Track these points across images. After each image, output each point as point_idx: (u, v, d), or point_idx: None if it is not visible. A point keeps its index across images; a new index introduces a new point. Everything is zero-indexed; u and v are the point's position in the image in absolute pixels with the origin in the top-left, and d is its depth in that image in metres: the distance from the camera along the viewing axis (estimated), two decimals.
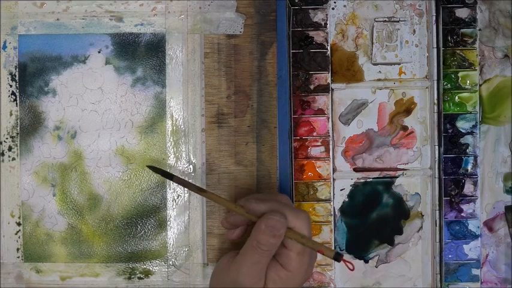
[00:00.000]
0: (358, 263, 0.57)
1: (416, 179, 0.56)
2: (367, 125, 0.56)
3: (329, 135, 0.55)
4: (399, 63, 0.56)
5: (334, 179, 0.56)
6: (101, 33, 0.54)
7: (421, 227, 0.57)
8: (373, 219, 0.56)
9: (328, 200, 0.55)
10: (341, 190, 0.56)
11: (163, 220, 0.54)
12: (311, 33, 0.55)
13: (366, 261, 0.57)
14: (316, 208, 0.55)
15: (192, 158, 0.54)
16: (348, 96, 0.56)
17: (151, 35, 0.54)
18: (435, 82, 0.55)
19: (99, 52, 0.54)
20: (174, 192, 0.54)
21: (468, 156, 0.55)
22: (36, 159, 0.54)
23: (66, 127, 0.54)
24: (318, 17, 0.55)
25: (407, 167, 0.56)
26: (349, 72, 0.56)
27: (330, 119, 0.55)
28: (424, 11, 0.56)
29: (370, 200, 0.56)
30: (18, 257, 0.54)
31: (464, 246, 0.55)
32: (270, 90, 0.54)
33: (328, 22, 0.55)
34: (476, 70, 0.55)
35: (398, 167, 0.57)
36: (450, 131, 0.55)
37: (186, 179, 0.54)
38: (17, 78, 0.54)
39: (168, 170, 0.54)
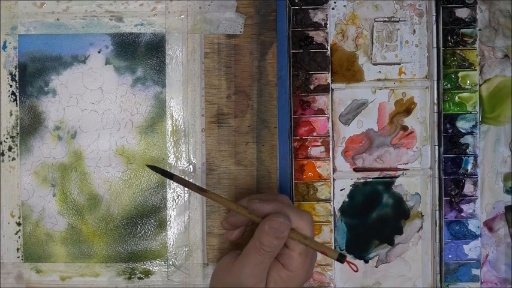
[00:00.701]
0: (358, 263, 0.57)
1: (416, 179, 0.56)
2: (367, 125, 0.56)
3: (329, 135, 0.55)
4: (399, 63, 0.56)
5: (334, 179, 0.56)
6: (101, 33, 0.54)
7: (421, 227, 0.57)
8: (373, 219, 0.56)
9: (328, 200, 0.55)
10: (341, 190, 0.56)
11: (163, 220, 0.54)
12: (311, 33, 0.55)
13: (366, 261, 0.57)
14: (316, 208, 0.55)
15: (192, 158, 0.54)
16: (348, 96, 0.56)
17: (151, 35, 0.54)
18: (435, 82, 0.55)
19: (99, 52, 0.54)
20: (174, 192, 0.54)
21: (468, 156, 0.55)
22: (36, 159, 0.54)
23: (66, 127, 0.54)
24: (318, 17, 0.55)
25: (407, 167, 0.56)
26: (349, 72, 0.56)
27: (330, 119, 0.55)
28: (424, 11, 0.56)
29: (370, 200, 0.56)
30: (18, 257, 0.54)
31: (464, 246, 0.55)
32: (270, 90, 0.54)
33: (328, 22, 0.55)
34: (476, 70, 0.55)
35: (398, 167, 0.57)
36: (450, 131, 0.55)
37: (187, 178, 0.54)
38: (17, 78, 0.54)
39: (168, 170, 0.54)
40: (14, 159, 0.54)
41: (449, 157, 0.55)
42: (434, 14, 0.55)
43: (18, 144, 0.54)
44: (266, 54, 0.54)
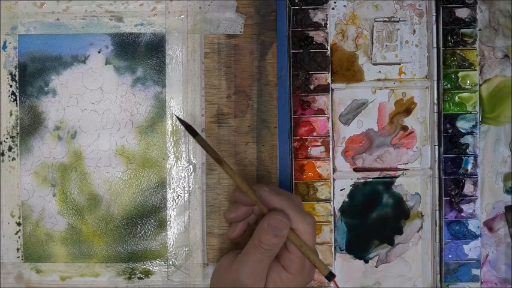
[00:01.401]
0: (358, 263, 0.57)
1: (416, 179, 0.56)
2: (367, 125, 0.56)
3: (329, 135, 0.55)
4: (399, 63, 0.56)
5: (334, 179, 0.56)
6: (101, 33, 0.54)
7: (421, 227, 0.57)
8: (373, 219, 0.56)
9: (328, 200, 0.55)
10: (341, 190, 0.56)
11: (163, 220, 0.54)
12: (311, 33, 0.55)
13: (366, 261, 0.57)
14: (316, 208, 0.55)
15: (192, 158, 0.54)
16: (348, 96, 0.56)
17: (151, 35, 0.54)
18: (435, 82, 0.55)
19: (99, 52, 0.54)
20: (174, 192, 0.54)
21: (468, 156, 0.55)
22: (36, 159, 0.54)
23: (66, 127, 0.54)
24: (318, 17, 0.55)
25: (407, 167, 0.56)
26: (349, 72, 0.56)
27: (330, 119, 0.55)
28: (424, 11, 0.56)
29: (370, 200, 0.56)
30: (18, 257, 0.54)
31: (464, 246, 0.55)
32: (270, 90, 0.54)
33: (328, 22, 0.55)
34: (476, 70, 0.55)
35: (398, 167, 0.57)
36: (450, 131, 0.55)
37: (187, 178, 0.54)
38: (17, 78, 0.54)
39: (168, 170, 0.54)
40: (14, 159, 0.54)
41: (449, 157, 0.55)
42: (434, 14, 0.55)
43: (18, 144, 0.54)
44: (266, 54, 0.54)
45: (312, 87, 0.55)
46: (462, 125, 0.55)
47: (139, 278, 0.54)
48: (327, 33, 0.55)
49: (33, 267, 0.54)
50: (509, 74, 0.56)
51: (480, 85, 0.56)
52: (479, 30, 0.56)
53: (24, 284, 0.54)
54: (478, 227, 0.55)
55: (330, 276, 0.45)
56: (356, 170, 0.56)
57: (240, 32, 0.54)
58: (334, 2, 0.56)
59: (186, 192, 0.54)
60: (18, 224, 0.54)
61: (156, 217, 0.54)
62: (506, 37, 0.56)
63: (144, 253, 0.54)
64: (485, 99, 0.56)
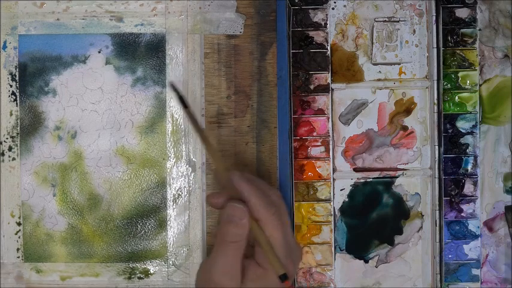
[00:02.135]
0: (358, 263, 0.57)
1: (416, 179, 0.56)
2: (367, 125, 0.56)
3: (329, 135, 0.55)
4: (399, 63, 0.56)
5: (334, 179, 0.56)
6: (101, 33, 0.54)
7: (421, 227, 0.57)
8: (373, 219, 0.56)
9: (328, 200, 0.55)
10: (341, 190, 0.56)
11: (163, 220, 0.54)
12: (311, 33, 0.55)
13: (366, 261, 0.57)
14: (316, 208, 0.55)
15: (192, 158, 0.54)
16: (348, 96, 0.56)
17: (151, 35, 0.54)
18: (435, 82, 0.55)
19: (99, 52, 0.54)
20: (174, 192, 0.54)
21: (468, 156, 0.55)
22: (36, 159, 0.54)
23: (67, 127, 0.54)
24: (318, 17, 0.55)
25: (407, 167, 0.56)
26: (349, 72, 0.56)
27: (330, 119, 0.55)
28: (424, 11, 0.56)
29: (370, 200, 0.56)
30: (18, 257, 0.54)
31: (464, 246, 0.55)
32: (270, 90, 0.54)
33: (328, 22, 0.55)
34: (476, 70, 0.55)
35: (398, 167, 0.57)
36: (450, 131, 0.55)
37: (187, 178, 0.54)
38: (17, 78, 0.54)
39: (169, 170, 0.54)
40: (14, 159, 0.54)
41: (449, 157, 0.55)
42: (434, 14, 0.55)
43: (19, 144, 0.54)
44: (266, 54, 0.54)
45: (312, 87, 0.55)
46: (462, 125, 0.55)
47: (140, 278, 0.54)
48: (327, 33, 0.55)
49: (33, 267, 0.54)
50: (509, 74, 0.56)
51: (480, 85, 0.56)
52: (479, 30, 0.56)
53: (24, 284, 0.54)
54: (478, 227, 0.55)
55: (283, 278, 0.43)
56: (356, 170, 0.56)
57: (240, 32, 0.54)
58: (334, 2, 0.56)
59: (186, 192, 0.54)
60: (18, 224, 0.54)
61: (156, 217, 0.54)
62: (506, 37, 0.56)
63: (144, 253, 0.54)
64: (485, 99, 0.56)
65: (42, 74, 0.54)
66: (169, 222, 0.54)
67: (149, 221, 0.54)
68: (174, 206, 0.54)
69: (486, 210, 0.57)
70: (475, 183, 0.55)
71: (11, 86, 0.54)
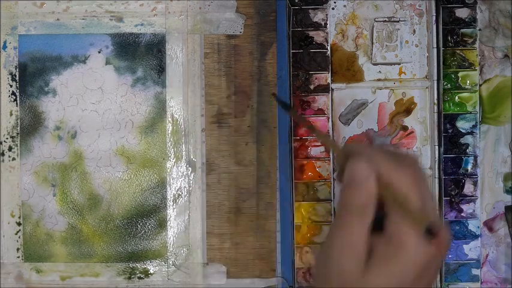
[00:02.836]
0: None
1: None
2: (367, 125, 0.56)
3: (329, 135, 0.55)
4: (399, 63, 0.56)
5: (334, 179, 0.56)
6: (101, 33, 0.54)
7: None
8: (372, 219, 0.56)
9: (328, 200, 0.55)
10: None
11: (163, 220, 0.54)
12: (311, 33, 0.55)
13: None
14: (316, 208, 0.55)
15: (192, 158, 0.54)
16: (348, 96, 0.56)
17: (151, 35, 0.54)
18: (435, 82, 0.55)
19: (99, 52, 0.54)
20: (174, 192, 0.54)
21: (468, 156, 0.55)
22: (36, 159, 0.54)
23: (67, 127, 0.54)
24: (318, 17, 0.55)
25: None
26: (349, 72, 0.56)
27: (330, 119, 0.55)
28: (424, 11, 0.56)
29: None
30: (18, 257, 0.54)
31: (464, 246, 0.55)
32: (270, 90, 0.54)
33: (328, 22, 0.55)
34: (476, 70, 0.55)
35: None
36: (450, 131, 0.55)
37: (187, 178, 0.54)
38: (17, 78, 0.54)
39: (169, 170, 0.54)
40: (14, 159, 0.54)
41: (449, 157, 0.55)
42: (434, 14, 0.55)
43: (19, 144, 0.54)
44: (266, 55, 0.54)
45: (312, 87, 0.55)
46: (462, 125, 0.55)
47: (140, 278, 0.54)
48: (327, 33, 0.55)
49: (33, 267, 0.54)
50: (509, 74, 0.56)
51: (480, 85, 0.56)
52: (479, 30, 0.56)
53: (24, 284, 0.54)
54: (478, 227, 0.55)
55: (430, 231, 0.33)
56: None
57: (240, 32, 0.54)
58: (334, 2, 0.56)
59: (186, 192, 0.54)
60: (18, 224, 0.54)
61: (156, 217, 0.54)
62: (506, 37, 0.56)
63: (144, 253, 0.54)
64: (485, 99, 0.56)
65: (42, 74, 0.54)
66: (169, 222, 0.54)
67: (149, 221, 0.54)
68: (174, 206, 0.54)
69: (486, 210, 0.57)
70: (475, 183, 0.55)
71: (11, 86, 0.54)
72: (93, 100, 0.54)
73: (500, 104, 0.56)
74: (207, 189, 0.54)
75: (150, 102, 0.55)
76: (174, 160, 0.54)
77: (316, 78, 0.55)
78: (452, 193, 0.55)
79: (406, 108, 0.56)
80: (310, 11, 0.55)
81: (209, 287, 0.54)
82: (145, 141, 0.55)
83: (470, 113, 0.55)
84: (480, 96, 0.56)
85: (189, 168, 0.54)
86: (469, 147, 0.55)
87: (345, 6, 0.56)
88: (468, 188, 0.55)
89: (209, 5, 0.54)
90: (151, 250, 0.54)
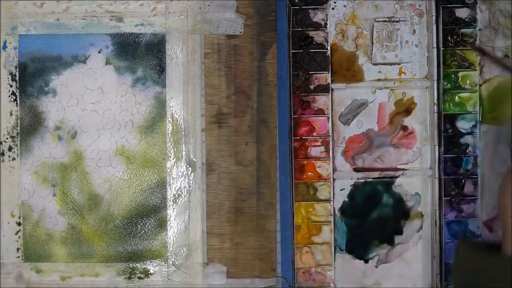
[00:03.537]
0: (358, 263, 0.57)
1: (417, 179, 0.56)
2: (367, 125, 0.56)
3: (329, 135, 0.55)
4: (399, 63, 0.56)
5: (334, 179, 0.56)
6: (101, 33, 0.54)
7: (421, 227, 0.56)
8: (373, 219, 0.56)
9: (328, 200, 0.55)
10: (341, 190, 0.56)
11: (163, 220, 0.54)
12: (311, 33, 0.55)
13: (366, 261, 0.57)
14: (316, 208, 0.55)
15: (192, 158, 0.54)
16: (348, 96, 0.56)
17: (151, 35, 0.54)
18: (435, 82, 0.55)
19: (99, 52, 0.54)
20: (174, 192, 0.54)
21: (468, 156, 0.55)
22: (36, 159, 0.54)
23: (67, 127, 0.54)
24: (318, 17, 0.55)
25: (408, 167, 0.56)
26: (349, 72, 0.56)
27: (330, 119, 0.55)
28: (424, 11, 0.56)
29: (370, 200, 0.56)
30: (18, 257, 0.54)
31: None
32: (270, 90, 0.54)
33: (328, 22, 0.55)
34: (476, 70, 0.55)
35: (399, 167, 0.57)
36: (450, 131, 0.55)
37: (187, 178, 0.54)
38: (17, 78, 0.54)
39: (169, 170, 0.54)
40: (14, 159, 0.54)
41: (449, 157, 0.55)
42: (434, 14, 0.55)
43: (19, 144, 0.54)
44: (266, 55, 0.54)
45: (312, 87, 0.55)
46: (462, 125, 0.55)
47: (140, 278, 0.54)
48: (327, 33, 0.55)
49: (33, 267, 0.54)
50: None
51: (480, 85, 0.56)
52: (479, 30, 0.56)
53: (24, 284, 0.54)
54: (478, 227, 0.55)
55: None
56: (356, 170, 0.56)
57: (240, 32, 0.54)
58: (334, 2, 0.56)
59: (186, 192, 0.54)
60: (19, 224, 0.54)
61: (156, 217, 0.54)
62: (506, 37, 0.56)
63: (144, 253, 0.54)
64: (485, 99, 0.56)
65: (42, 74, 0.54)
66: (169, 222, 0.54)
67: (149, 221, 0.54)
68: (174, 206, 0.54)
69: (486, 210, 0.57)
70: (475, 183, 0.55)
71: (11, 86, 0.54)
72: (93, 100, 0.54)
73: (500, 104, 0.56)
74: (207, 189, 0.54)
75: (150, 102, 0.55)
76: (174, 160, 0.54)
77: (316, 78, 0.55)
78: (452, 193, 0.55)
79: (406, 108, 0.56)
80: (310, 11, 0.55)
81: (209, 287, 0.54)
82: (145, 141, 0.55)
83: (470, 113, 0.55)
84: (480, 96, 0.56)
85: (189, 168, 0.54)
86: (469, 147, 0.55)
87: (345, 6, 0.56)
88: (468, 188, 0.55)
89: (209, 5, 0.54)
90: (151, 250, 0.54)
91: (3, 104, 0.54)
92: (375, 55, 0.55)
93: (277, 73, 0.54)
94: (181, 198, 0.54)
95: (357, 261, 0.57)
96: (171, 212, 0.54)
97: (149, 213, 0.54)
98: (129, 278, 0.54)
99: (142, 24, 0.54)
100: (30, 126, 0.54)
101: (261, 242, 0.54)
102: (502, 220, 0.42)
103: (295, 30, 0.55)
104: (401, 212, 0.56)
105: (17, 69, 0.54)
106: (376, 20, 0.56)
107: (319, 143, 0.55)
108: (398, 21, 0.55)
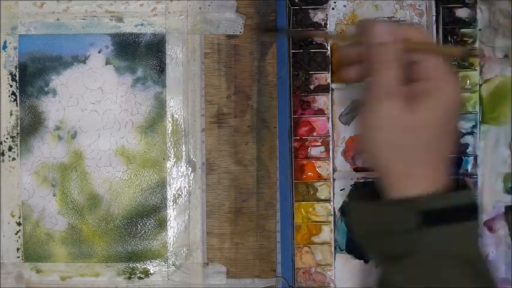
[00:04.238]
0: (358, 263, 0.56)
1: None
2: None
3: (329, 135, 0.55)
4: None
5: (334, 179, 0.56)
6: (101, 33, 0.54)
7: None
8: None
9: (328, 200, 0.55)
10: (341, 190, 0.56)
11: (163, 220, 0.54)
12: None
13: (366, 261, 0.57)
14: (316, 208, 0.55)
15: (192, 158, 0.54)
16: (348, 96, 0.56)
17: (151, 35, 0.54)
18: None
19: (99, 52, 0.54)
20: (174, 192, 0.54)
21: (468, 156, 0.55)
22: (36, 159, 0.54)
23: (67, 127, 0.54)
24: (318, 17, 0.55)
25: None
26: None
27: (330, 119, 0.55)
28: (424, 11, 0.56)
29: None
30: (18, 257, 0.54)
31: None
32: (270, 90, 0.54)
33: (328, 22, 0.55)
34: (476, 70, 0.55)
35: None
36: None
37: (187, 178, 0.54)
38: (17, 78, 0.54)
39: (169, 170, 0.54)
40: (14, 159, 0.54)
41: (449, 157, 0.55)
42: (434, 14, 0.55)
43: (19, 144, 0.54)
44: (266, 55, 0.54)
45: (312, 87, 0.55)
46: (462, 125, 0.55)
47: (140, 278, 0.54)
48: (327, 33, 0.55)
49: (33, 267, 0.54)
50: (509, 74, 0.56)
51: (480, 85, 0.56)
52: (479, 30, 0.56)
53: (24, 284, 0.54)
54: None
55: (469, 52, 0.40)
56: (356, 170, 0.56)
57: (240, 32, 0.54)
58: (334, 2, 0.56)
59: (186, 192, 0.54)
60: (19, 224, 0.54)
61: (156, 217, 0.54)
62: (506, 37, 0.56)
63: (144, 253, 0.54)
64: (485, 99, 0.56)
65: (42, 74, 0.54)
66: (169, 222, 0.54)
67: (149, 221, 0.54)
68: (174, 206, 0.54)
69: (486, 210, 0.57)
70: (475, 183, 0.55)
71: (11, 86, 0.54)
72: (93, 100, 0.54)
73: (500, 104, 0.56)
74: (207, 189, 0.54)
75: (150, 102, 0.55)
76: (174, 160, 0.54)
77: (316, 78, 0.55)
78: None
79: None
80: (310, 11, 0.55)
81: (209, 287, 0.54)
82: (145, 141, 0.55)
83: (470, 113, 0.55)
84: (480, 96, 0.56)
85: (189, 168, 0.54)
86: (469, 147, 0.55)
87: (345, 6, 0.56)
88: None
89: (209, 5, 0.54)
90: (151, 250, 0.54)
91: (3, 104, 0.54)
92: None
93: (277, 73, 0.54)
94: (181, 198, 0.54)
95: (357, 261, 0.56)
96: (171, 212, 0.54)
97: (149, 213, 0.54)
98: (129, 278, 0.54)
99: (142, 24, 0.54)
100: (30, 126, 0.54)
101: (261, 242, 0.54)
102: (376, 158, 0.42)
103: (295, 30, 0.55)
104: None
105: (17, 69, 0.54)
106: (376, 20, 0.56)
107: (319, 143, 0.55)
108: (398, 21, 0.55)
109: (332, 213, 0.55)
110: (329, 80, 0.55)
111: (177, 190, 0.54)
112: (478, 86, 0.55)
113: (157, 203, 0.55)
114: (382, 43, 0.40)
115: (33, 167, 0.54)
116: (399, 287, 0.40)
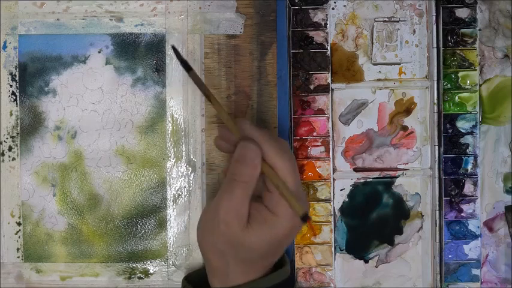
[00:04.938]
0: (358, 263, 0.57)
1: (416, 179, 0.56)
2: (367, 125, 0.56)
3: (329, 135, 0.55)
4: (399, 63, 0.56)
5: (334, 179, 0.56)
6: (101, 33, 0.54)
7: (421, 227, 0.57)
8: (373, 219, 0.56)
9: (328, 200, 0.55)
10: (341, 190, 0.56)
11: (163, 220, 0.54)
12: (311, 33, 0.55)
13: (366, 261, 0.57)
14: (316, 208, 0.55)
15: (192, 158, 0.54)
16: (348, 96, 0.56)
17: (151, 35, 0.54)
18: (435, 82, 0.55)
19: (99, 52, 0.54)
20: (174, 192, 0.54)
21: (468, 156, 0.55)
22: (36, 159, 0.54)
23: (67, 127, 0.54)
24: (318, 17, 0.55)
25: (407, 167, 0.56)
26: (349, 72, 0.56)
27: (330, 119, 0.55)
28: (424, 11, 0.56)
29: (370, 200, 0.56)
30: (18, 257, 0.54)
31: (464, 246, 0.55)
32: (270, 90, 0.54)
33: (328, 22, 0.55)
34: (476, 70, 0.55)
35: (398, 167, 0.57)
36: (450, 131, 0.55)
37: (187, 178, 0.54)
38: (17, 78, 0.54)
39: (169, 171, 0.54)
40: (14, 159, 0.54)
41: (449, 157, 0.55)
42: (434, 14, 0.55)
43: (19, 144, 0.54)
44: (266, 55, 0.54)
45: (312, 87, 0.55)
46: (462, 125, 0.55)
47: (140, 278, 0.54)
48: (327, 33, 0.55)
49: (33, 267, 0.54)
50: (509, 74, 0.56)
51: (480, 85, 0.56)
52: (479, 30, 0.56)
53: (24, 284, 0.54)
54: (478, 227, 0.55)
55: (305, 218, 0.42)
56: (356, 170, 0.56)
57: (240, 32, 0.54)
58: (334, 2, 0.56)
59: (186, 192, 0.54)
60: (18, 224, 0.54)
61: (156, 217, 0.54)
62: (506, 37, 0.56)
63: (144, 253, 0.54)
64: (485, 99, 0.56)
65: (42, 74, 0.54)
66: (169, 222, 0.54)
67: (149, 221, 0.54)
68: (174, 206, 0.54)
69: (486, 210, 0.57)
70: (475, 183, 0.55)
71: (11, 86, 0.54)
72: (93, 100, 0.54)
73: (500, 104, 0.56)
74: (207, 189, 0.54)
75: (150, 102, 0.55)
76: (174, 160, 0.54)
77: (316, 78, 0.55)
78: (452, 193, 0.55)
79: (406, 108, 0.57)
80: (310, 11, 0.55)
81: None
82: (145, 141, 0.55)
83: (470, 113, 0.55)
84: (480, 96, 0.56)
85: (189, 168, 0.54)
86: (469, 147, 0.55)
87: (345, 6, 0.56)
88: (468, 188, 0.55)
89: (209, 5, 0.54)
90: (151, 250, 0.55)
91: (3, 104, 0.54)
92: (375, 55, 0.55)
93: (277, 73, 0.54)
94: (181, 198, 0.54)
95: (357, 261, 0.57)
96: (171, 212, 0.54)
97: (149, 213, 0.54)
98: (129, 278, 0.54)
99: (142, 24, 0.54)
100: (30, 126, 0.54)
101: None
102: (202, 252, 0.47)
103: (295, 30, 0.55)
104: (401, 212, 0.57)
105: (17, 69, 0.54)
106: (376, 20, 0.56)
107: (319, 143, 0.55)
108: (398, 21, 0.56)
109: (332, 213, 0.55)
110: (329, 80, 0.55)
111: (177, 190, 0.54)
112: (478, 86, 0.55)
113: (157, 203, 0.55)
114: (249, 164, 0.43)
115: (33, 167, 0.54)
116: None
